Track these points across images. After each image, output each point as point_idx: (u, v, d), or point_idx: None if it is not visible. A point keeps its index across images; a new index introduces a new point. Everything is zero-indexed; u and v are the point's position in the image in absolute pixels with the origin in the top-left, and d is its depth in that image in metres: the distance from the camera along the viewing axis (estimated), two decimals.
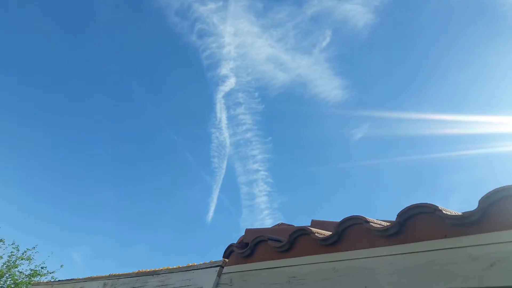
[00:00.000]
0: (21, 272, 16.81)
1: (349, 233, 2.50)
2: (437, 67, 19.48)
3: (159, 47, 24.30)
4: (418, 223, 2.13)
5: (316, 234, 2.70)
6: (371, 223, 2.36)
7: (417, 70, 20.30)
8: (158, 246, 28.66)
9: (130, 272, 4.87)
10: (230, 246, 3.54)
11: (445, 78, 19.83)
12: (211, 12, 20.62)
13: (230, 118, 23.78)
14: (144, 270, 4.71)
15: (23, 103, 25.84)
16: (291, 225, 4.29)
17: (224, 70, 22.13)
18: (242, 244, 3.51)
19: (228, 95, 23.05)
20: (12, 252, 16.93)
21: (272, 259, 2.97)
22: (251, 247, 3.25)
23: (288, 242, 2.87)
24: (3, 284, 16.26)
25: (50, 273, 17.21)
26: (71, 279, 6.25)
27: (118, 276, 5.01)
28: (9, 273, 16.44)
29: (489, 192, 1.82)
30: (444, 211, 1.98)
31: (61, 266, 17.99)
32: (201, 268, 3.63)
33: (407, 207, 2.18)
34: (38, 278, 16.74)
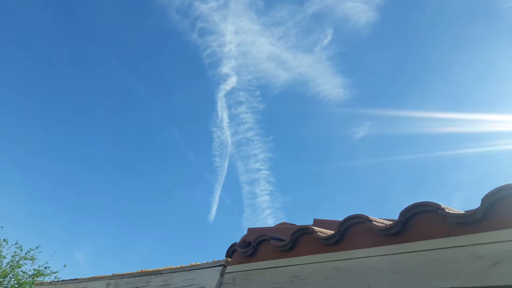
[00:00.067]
0: (24, 272, 16.87)
1: (352, 232, 2.50)
2: (440, 65, 19.43)
3: (160, 46, 24.32)
4: (421, 222, 2.13)
5: (318, 233, 2.70)
6: (373, 222, 2.36)
7: (419, 68, 20.27)
8: (161, 246, 28.72)
9: (133, 272, 4.89)
10: (233, 245, 3.54)
11: (448, 76, 19.79)
12: (212, 10, 20.61)
13: (232, 117, 23.78)
14: (147, 270, 4.72)
15: (24, 103, 25.93)
16: (293, 224, 4.29)
17: (225, 68, 22.12)
18: (245, 243, 3.51)
19: (229, 93, 23.04)
20: (15, 252, 17.00)
21: (275, 258, 2.97)
22: (253, 246, 3.25)
23: (291, 241, 2.87)
24: (7, 284, 16.32)
25: (54, 273, 17.27)
26: (74, 279, 6.27)
27: (121, 276, 5.02)
28: (12, 273, 16.50)
29: (492, 190, 1.81)
30: (446, 210, 1.98)
31: (64, 266, 18.00)
32: (204, 268, 3.64)
33: (409, 205, 2.18)
34: (41, 278, 16.79)
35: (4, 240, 17.03)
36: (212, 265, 3.56)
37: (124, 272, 5.10)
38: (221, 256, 3.59)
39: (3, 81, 24.00)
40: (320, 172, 26.32)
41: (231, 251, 3.55)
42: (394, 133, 19.91)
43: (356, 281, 2.25)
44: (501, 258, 1.66)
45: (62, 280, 6.89)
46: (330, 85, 21.11)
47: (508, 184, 1.77)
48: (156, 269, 4.46)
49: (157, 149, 28.70)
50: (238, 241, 3.69)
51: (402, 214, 2.19)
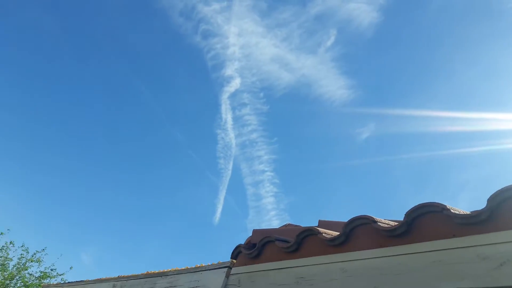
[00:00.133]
0: (31, 274, 16.94)
1: (357, 233, 2.50)
2: (444, 65, 19.34)
3: (163, 49, 24.37)
4: (426, 222, 2.12)
5: (323, 234, 2.69)
6: (378, 223, 2.35)
7: (423, 68, 20.17)
8: (166, 248, 28.77)
9: (139, 273, 4.90)
10: (238, 247, 3.54)
11: (452, 75, 19.69)
12: (215, 12, 20.64)
13: (236, 119, 23.79)
14: (152, 271, 4.73)
15: (31, 103, 26.09)
16: (298, 225, 4.28)
17: (229, 70, 22.14)
18: (250, 245, 3.51)
19: (233, 96, 23.06)
20: (22, 254, 17.07)
21: (280, 259, 2.97)
22: (258, 248, 3.25)
23: (296, 242, 2.87)
24: (14, 286, 16.41)
25: (60, 275, 17.32)
26: (81, 281, 6.29)
27: (127, 278, 5.04)
28: (19, 275, 16.58)
29: (498, 190, 1.80)
30: (452, 210, 1.97)
31: (70, 268, 18.05)
32: (209, 269, 3.64)
33: (414, 206, 2.17)
34: (48, 280, 16.86)
35: (11, 242, 17.14)
36: (218, 267, 3.56)
37: (129, 274, 5.12)
38: (226, 258, 3.59)
39: (11, 82, 24.21)
40: (324, 173, 26.27)
41: (236, 253, 3.55)
42: (398, 132, 19.84)
43: (361, 282, 2.24)
44: (508, 259, 1.65)
45: (68, 282, 6.92)
46: (334, 86, 21.07)
47: None
48: (161, 270, 4.47)
49: (161, 152, 28.76)
50: (243, 242, 3.69)
51: (407, 214, 2.18)
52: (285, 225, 4.64)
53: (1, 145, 24.23)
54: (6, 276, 16.16)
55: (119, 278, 5.23)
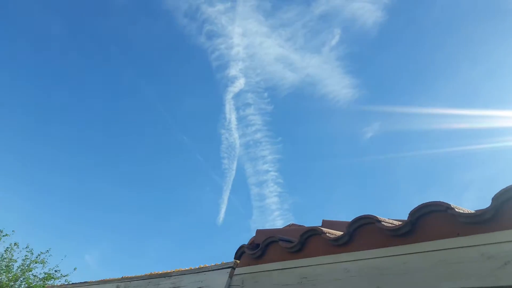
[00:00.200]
0: (35, 276, 17.00)
1: (361, 232, 2.49)
2: (448, 63, 19.28)
3: (168, 49, 24.40)
4: (430, 221, 2.11)
5: (327, 234, 2.69)
6: (382, 223, 2.35)
7: (428, 66, 20.09)
8: (170, 248, 28.79)
9: (143, 274, 4.91)
10: (241, 247, 3.54)
11: (456, 73, 19.61)
12: (219, 13, 20.65)
13: (240, 119, 23.79)
14: (156, 272, 4.74)
15: (39, 105, 26.19)
16: (302, 225, 4.28)
17: (233, 71, 22.14)
18: (253, 245, 3.51)
19: (237, 96, 23.05)
20: (26, 255, 17.14)
21: (284, 259, 2.96)
22: (262, 248, 3.25)
23: (299, 242, 2.86)
24: (18, 287, 16.49)
25: (64, 276, 17.37)
26: (84, 282, 6.31)
27: (131, 279, 5.04)
28: (23, 277, 16.64)
29: (502, 189, 1.80)
30: (456, 209, 1.96)
31: (74, 269, 18.11)
32: (213, 270, 3.64)
33: (418, 205, 2.16)
34: (52, 281, 16.92)
35: (15, 244, 17.21)
36: (221, 267, 3.56)
37: (133, 275, 5.13)
38: (230, 258, 3.59)
39: (19, 87, 24.34)
40: (328, 173, 26.23)
41: (239, 253, 3.55)
42: (403, 130, 19.77)
43: (365, 282, 2.24)
44: None
45: (72, 283, 6.94)
46: (339, 85, 21.03)
47: None
48: (165, 271, 4.48)
49: (165, 152, 28.79)
50: (246, 243, 3.69)
51: (411, 214, 2.17)
52: (289, 225, 4.64)
53: (6, 144, 24.37)
54: (10, 277, 16.23)
55: (122, 279, 5.23)
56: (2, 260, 16.65)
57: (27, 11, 21.83)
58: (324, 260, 2.61)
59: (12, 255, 16.94)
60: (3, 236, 17.02)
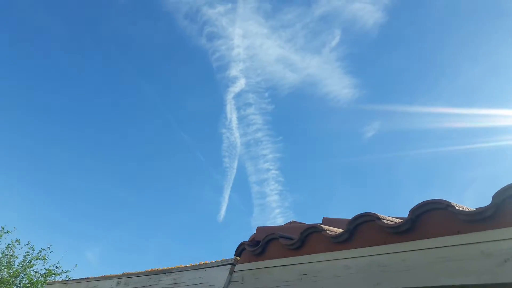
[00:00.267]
0: (36, 272, 17.06)
1: (361, 230, 2.49)
2: (449, 62, 19.27)
3: (169, 51, 24.46)
4: (431, 219, 2.12)
5: (327, 231, 2.69)
6: (383, 220, 2.35)
7: (429, 66, 20.08)
8: (171, 245, 28.86)
9: (143, 270, 4.92)
10: (242, 244, 3.55)
11: (457, 73, 19.60)
12: (220, 14, 20.66)
13: (241, 119, 23.83)
14: (156, 268, 4.75)
15: (40, 104, 26.23)
16: (303, 223, 4.28)
17: (234, 71, 22.17)
18: (254, 242, 3.52)
19: (238, 96, 23.09)
20: (27, 252, 17.20)
21: (284, 256, 2.97)
22: (262, 245, 3.25)
23: (300, 239, 2.87)
24: (19, 284, 16.52)
25: (65, 272, 17.44)
26: (85, 278, 6.32)
27: (131, 275, 5.06)
28: (24, 273, 16.70)
29: (503, 187, 1.80)
30: (456, 207, 1.97)
31: (75, 265, 18.21)
32: (213, 266, 3.65)
33: (419, 203, 2.16)
34: (53, 277, 16.98)
35: (17, 240, 17.26)
36: (221, 264, 3.57)
37: (134, 271, 5.14)
38: (230, 255, 3.60)
39: (17, 86, 24.35)
40: (329, 171, 26.25)
41: (240, 250, 3.56)
42: (403, 129, 19.79)
43: (365, 279, 2.24)
44: None
45: (73, 279, 6.95)
46: (339, 85, 21.03)
47: None
48: (165, 268, 4.49)
49: (166, 151, 28.86)
50: (247, 240, 3.70)
51: (412, 211, 2.18)
52: (290, 223, 4.65)
53: (6, 143, 24.41)
54: (11, 273, 16.28)
55: (123, 275, 5.25)
56: (4, 257, 16.71)
57: (28, 11, 21.86)
58: (324, 257, 2.61)
59: (14, 252, 17.01)
60: (5, 233, 17.09)
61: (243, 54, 21.85)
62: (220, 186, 27.11)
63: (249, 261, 3.31)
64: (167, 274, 4.29)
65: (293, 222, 4.68)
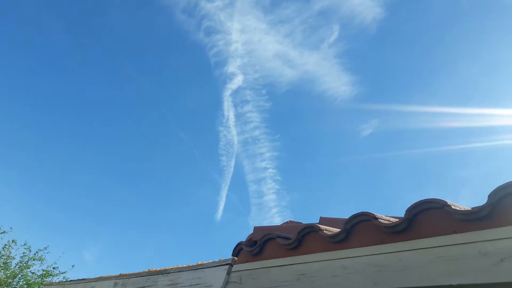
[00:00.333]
0: (33, 273, 16.99)
1: (358, 230, 2.50)
2: (446, 61, 19.32)
3: (166, 45, 24.37)
4: (427, 218, 2.12)
5: (324, 231, 2.70)
6: (379, 220, 2.35)
7: (426, 64, 20.13)
8: (168, 246, 28.84)
9: (140, 271, 4.91)
10: (239, 244, 3.55)
11: (454, 71, 19.67)
12: (218, 9, 20.61)
13: (238, 116, 23.79)
14: (154, 269, 4.75)
15: (36, 100, 26.13)
16: (300, 222, 4.29)
17: (232, 67, 22.11)
18: (251, 242, 3.52)
19: (235, 93, 23.05)
20: (24, 253, 17.12)
21: (281, 256, 2.97)
22: (260, 245, 3.25)
23: (297, 239, 2.87)
24: (16, 285, 16.46)
25: (62, 273, 17.37)
26: (83, 279, 6.31)
27: (129, 276, 5.05)
28: (21, 274, 16.63)
29: (499, 186, 1.80)
30: (453, 206, 1.97)
31: (72, 266, 18.13)
32: (211, 267, 3.65)
33: (415, 202, 2.17)
34: (50, 278, 16.91)
35: (13, 241, 17.18)
36: (219, 264, 3.57)
37: (131, 272, 5.13)
38: (228, 255, 3.60)
39: (12, 84, 24.25)
40: (326, 171, 26.29)
41: (237, 250, 3.56)
42: (400, 128, 19.85)
43: (362, 279, 2.25)
44: (508, 255, 1.65)
45: (70, 280, 6.94)
46: (337, 82, 21.04)
47: None
48: (163, 268, 4.48)
49: (163, 149, 28.81)
50: (244, 240, 3.70)
51: (408, 211, 2.18)
52: (287, 222, 4.65)
53: (3, 140, 24.32)
54: (8, 274, 16.21)
55: (120, 276, 5.24)
56: (0, 258, 16.64)
57: (26, 5, 21.75)
58: (322, 257, 2.62)
59: (10, 252, 16.93)
60: (1, 233, 17.00)
61: (241, 49, 21.83)
62: (218, 185, 27.10)
63: (247, 261, 3.31)
64: (164, 274, 4.28)
65: (290, 221, 4.69)
